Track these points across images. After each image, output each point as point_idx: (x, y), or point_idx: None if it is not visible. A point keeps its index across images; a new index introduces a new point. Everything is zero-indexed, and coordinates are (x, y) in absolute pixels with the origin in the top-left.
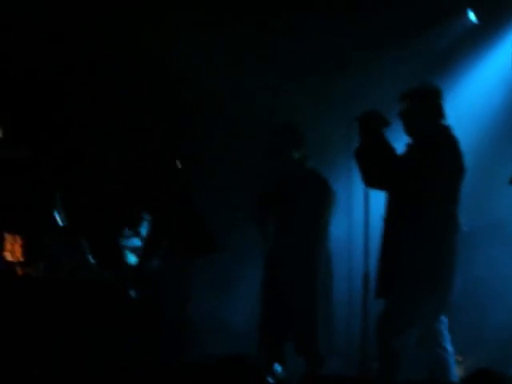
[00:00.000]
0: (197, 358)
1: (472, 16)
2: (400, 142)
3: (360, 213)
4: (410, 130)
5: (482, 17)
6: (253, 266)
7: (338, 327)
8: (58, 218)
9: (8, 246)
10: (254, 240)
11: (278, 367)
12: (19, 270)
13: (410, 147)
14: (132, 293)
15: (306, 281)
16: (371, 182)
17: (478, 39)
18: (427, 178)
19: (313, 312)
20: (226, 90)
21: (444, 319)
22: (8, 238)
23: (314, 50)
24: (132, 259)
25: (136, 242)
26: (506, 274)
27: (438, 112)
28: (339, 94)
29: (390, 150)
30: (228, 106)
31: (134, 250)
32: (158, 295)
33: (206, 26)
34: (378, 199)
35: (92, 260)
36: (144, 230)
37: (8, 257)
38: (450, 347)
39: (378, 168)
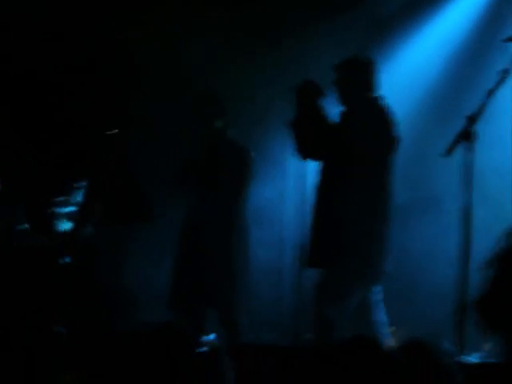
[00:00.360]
0: (133, 325)
1: None
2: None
3: (296, 180)
4: (342, 99)
5: None
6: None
7: (269, 297)
8: None
9: None
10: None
11: (211, 335)
12: None
13: (343, 116)
14: (66, 259)
15: (223, 248)
16: (305, 152)
17: (417, 8)
18: (359, 148)
19: (231, 280)
20: (162, 60)
21: (379, 290)
22: None
23: (248, 21)
24: (68, 226)
25: (72, 208)
26: (438, 249)
27: (371, 83)
28: (275, 65)
29: (325, 120)
30: (161, 77)
31: (69, 216)
32: (92, 261)
33: None
34: (314, 168)
35: (26, 225)
36: (79, 197)
37: None
38: (384, 318)
39: (313, 139)
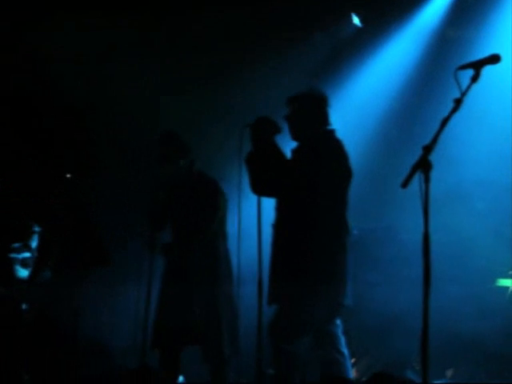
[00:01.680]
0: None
1: (356, 19)
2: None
3: (251, 217)
4: (294, 134)
5: (365, 20)
6: (136, 281)
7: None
8: None
9: None
10: (139, 254)
11: (181, 378)
12: None
13: (295, 152)
14: (23, 306)
15: (206, 282)
16: (259, 189)
17: (363, 42)
18: (314, 183)
19: (217, 316)
20: (115, 99)
21: (339, 322)
22: None
23: (202, 61)
24: (23, 272)
25: (26, 254)
26: (396, 278)
27: (323, 117)
28: (230, 101)
29: (281, 157)
30: (117, 117)
31: (23, 262)
32: (49, 308)
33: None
34: (270, 205)
35: None
36: (34, 243)
37: None
38: (345, 350)
39: (268, 175)
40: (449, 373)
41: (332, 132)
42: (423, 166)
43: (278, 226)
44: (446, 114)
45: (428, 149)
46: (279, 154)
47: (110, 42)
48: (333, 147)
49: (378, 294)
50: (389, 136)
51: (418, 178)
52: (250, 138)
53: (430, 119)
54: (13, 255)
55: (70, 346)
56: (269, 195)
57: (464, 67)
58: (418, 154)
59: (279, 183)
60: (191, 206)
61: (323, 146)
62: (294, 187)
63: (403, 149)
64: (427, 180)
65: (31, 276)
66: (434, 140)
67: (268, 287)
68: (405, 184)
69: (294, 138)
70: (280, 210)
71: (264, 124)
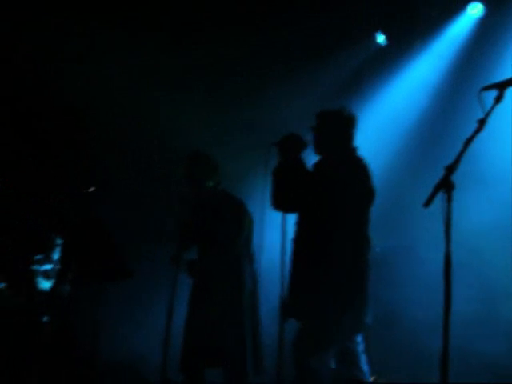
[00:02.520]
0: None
1: (380, 38)
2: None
3: (273, 235)
4: (317, 148)
5: (390, 39)
6: (161, 293)
7: (271, 351)
8: None
9: None
10: (163, 268)
11: None
12: None
13: (316, 167)
14: (44, 318)
15: (231, 303)
16: (281, 203)
17: (386, 62)
18: (335, 200)
19: (242, 337)
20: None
21: (360, 340)
22: None
23: (226, 78)
24: (44, 284)
25: (48, 266)
26: (415, 296)
27: (348, 137)
28: (256, 117)
29: (306, 173)
30: (143, 132)
31: (45, 274)
32: (70, 321)
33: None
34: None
35: (3, 285)
36: (56, 255)
37: None
38: (366, 368)
39: (291, 190)
40: None
41: (355, 150)
42: (446, 185)
43: (298, 241)
44: (469, 134)
45: (451, 169)
46: (304, 170)
47: (131, 56)
48: (355, 166)
49: (399, 313)
50: (412, 155)
51: (440, 198)
52: (277, 155)
53: (453, 139)
54: (35, 267)
55: (88, 360)
56: (289, 210)
57: (488, 88)
58: (440, 173)
59: (301, 198)
60: (216, 224)
61: (345, 165)
62: (315, 203)
63: (426, 168)
64: (449, 200)
65: (53, 288)
66: (457, 160)
67: (288, 301)
68: (427, 203)
69: (317, 152)
70: (301, 225)
71: (291, 140)
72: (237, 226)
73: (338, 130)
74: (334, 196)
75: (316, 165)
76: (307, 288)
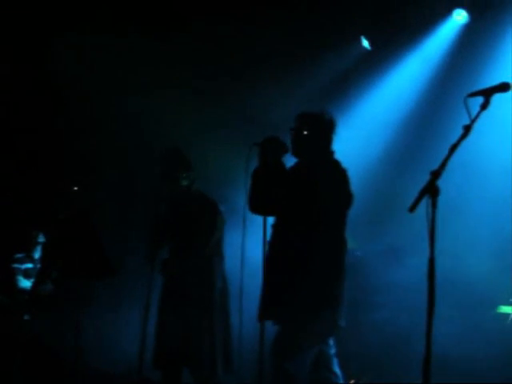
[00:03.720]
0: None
1: (365, 43)
2: None
3: (255, 234)
4: (294, 150)
5: (375, 44)
6: (142, 290)
7: (243, 351)
8: None
9: None
10: (139, 269)
11: None
12: None
13: (292, 170)
14: (26, 316)
15: (202, 301)
16: (258, 205)
17: (372, 65)
18: (309, 203)
19: (212, 336)
20: (120, 111)
21: (332, 343)
22: None
23: (208, 75)
24: (24, 283)
25: (28, 265)
26: (399, 301)
27: (326, 141)
28: (238, 116)
29: (285, 177)
30: (122, 130)
31: (26, 273)
32: (52, 317)
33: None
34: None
35: None
36: (37, 254)
37: None
38: (338, 371)
39: (269, 193)
40: None
41: (332, 154)
42: (431, 191)
43: (273, 244)
44: (454, 140)
45: (436, 174)
46: (284, 174)
47: (117, 52)
48: (332, 169)
49: (380, 317)
50: (397, 158)
51: (425, 203)
52: (257, 156)
53: (439, 143)
54: (15, 265)
55: (70, 360)
56: (266, 213)
57: (474, 94)
58: (425, 178)
59: (278, 201)
60: (189, 224)
61: (323, 168)
62: (292, 206)
63: (411, 172)
64: (434, 205)
65: (33, 287)
66: (443, 166)
67: (260, 302)
68: (412, 208)
69: (294, 154)
70: (277, 227)
71: (272, 143)
72: (209, 226)
73: (316, 132)
74: (310, 199)
75: (293, 168)
76: (282, 291)
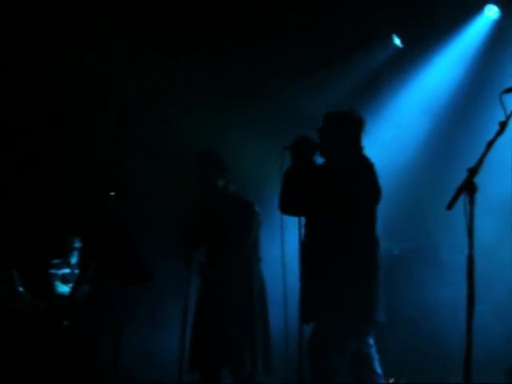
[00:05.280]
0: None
1: (397, 40)
2: None
3: (294, 236)
4: (322, 150)
5: (406, 42)
6: (179, 295)
7: (277, 351)
8: None
9: None
10: (180, 270)
11: None
12: None
13: (323, 169)
14: (64, 321)
15: (241, 303)
16: (289, 206)
17: (403, 64)
18: (339, 202)
19: (252, 337)
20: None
21: (372, 342)
22: None
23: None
24: (62, 288)
25: (66, 270)
26: (436, 297)
27: (354, 140)
28: (268, 121)
29: (316, 176)
30: (154, 135)
31: (63, 278)
32: (91, 323)
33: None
34: None
35: (23, 290)
36: (74, 259)
37: None
38: (379, 370)
39: (301, 194)
40: None
41: (360, 150)
42: (468, 188)
43: (306, 244)
44: (490, 136)
45: (473, 171)
46: (315, 173)
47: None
48: (360, 165)
49: (418, 314)
50: (432, 157)
51: (462, 200)
52: (290, 159)
53: (473, 141)
54: (53, 271)
55: (108, 368)
56: (296, 213)
57: (509, 91)
58: (461, 176)
59: (308, 201)
60: (225, 225)
61: (350, 165)
62: (322, 205)
63: (447, 170)
64: (472, 202)
65: (72, 292)
66: (480, 162)
67: (300, 304)
68: (450, 206)
69: (322, 154)
70: (309, 227)
71: (304, 144)
72: (246, 228)
73: (342, 131)
74: (340, 197)
75: (322, 167)
76: (318, 290)
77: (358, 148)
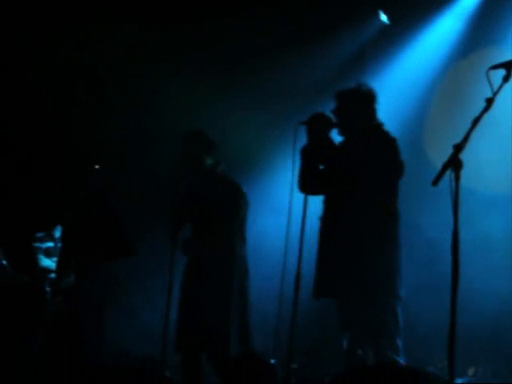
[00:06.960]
0: (114, 357)
1: (383, 17)
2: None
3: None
4: (342, 129)
5: (393, 18)
6: (160, 275)
7: (270, 327)
8: None
9: None
10: (163, 248)
11: None
12: None
13: (341, 147)
14: (47, 295)
15: (220, 283)
16: (310, 184)
17: (390, 40)
18: (365, 175)
19: (226, 315)
20: (147, 99)
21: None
22: None
23: (226, 54)
24: (45, 262)
25: (49, 244)
26: (422, 277)
27: (371, 113)
28: (256, 94)
29: (335, 151)
30: (145, 116)
31: (47, 252)
32: (74, 298)
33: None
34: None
35: (6, 263)
36: (58, 232)
37: None
38: (400, 344)
39: (321, 171)
40: (470, 371)
41: (381, 125)
42: (454, 164)
43: (326, 219)
44: (476, 113)
45: (459, 147)
46: (334, 149)
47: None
48: (382, 140)
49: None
50: (417, 133)
51: (448, 176)
52: (305, 135)
53: (459, 117)
54: (36, 245)
55: (94, 337)
56: (317, 192)
57: (496, 67)
58: (447, 152)
59: (329, 176)
60: (209, 205)
61: (374, 139)
62: (344, 180)
63: (432, 147)
64: (457, 178)
65: (55, 281)
66: (465, 139)
67: (315, 281)
68: (435, 182)
69: (341, 133)
70: (328, 203)
71: (319, 120)
72: (232, 206)
73: (358, 107)
74: (362, 172)
75: (342, 143)
76: (340, 266)
77: (377, 123)
